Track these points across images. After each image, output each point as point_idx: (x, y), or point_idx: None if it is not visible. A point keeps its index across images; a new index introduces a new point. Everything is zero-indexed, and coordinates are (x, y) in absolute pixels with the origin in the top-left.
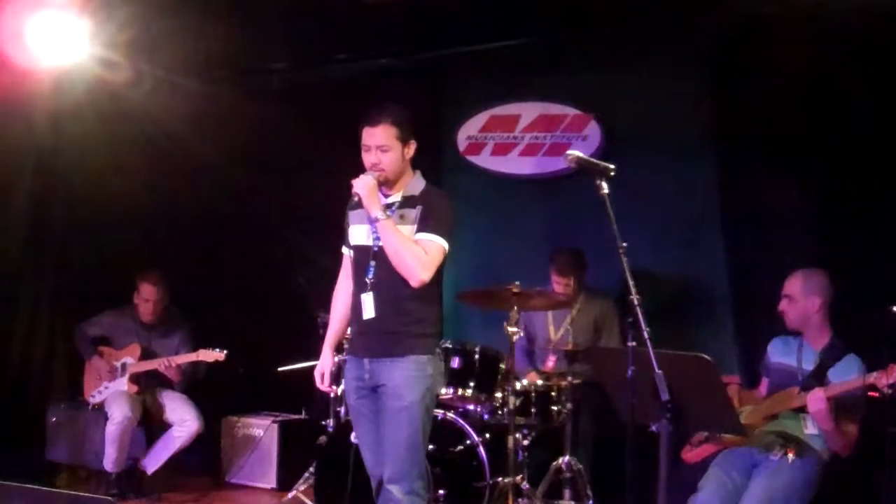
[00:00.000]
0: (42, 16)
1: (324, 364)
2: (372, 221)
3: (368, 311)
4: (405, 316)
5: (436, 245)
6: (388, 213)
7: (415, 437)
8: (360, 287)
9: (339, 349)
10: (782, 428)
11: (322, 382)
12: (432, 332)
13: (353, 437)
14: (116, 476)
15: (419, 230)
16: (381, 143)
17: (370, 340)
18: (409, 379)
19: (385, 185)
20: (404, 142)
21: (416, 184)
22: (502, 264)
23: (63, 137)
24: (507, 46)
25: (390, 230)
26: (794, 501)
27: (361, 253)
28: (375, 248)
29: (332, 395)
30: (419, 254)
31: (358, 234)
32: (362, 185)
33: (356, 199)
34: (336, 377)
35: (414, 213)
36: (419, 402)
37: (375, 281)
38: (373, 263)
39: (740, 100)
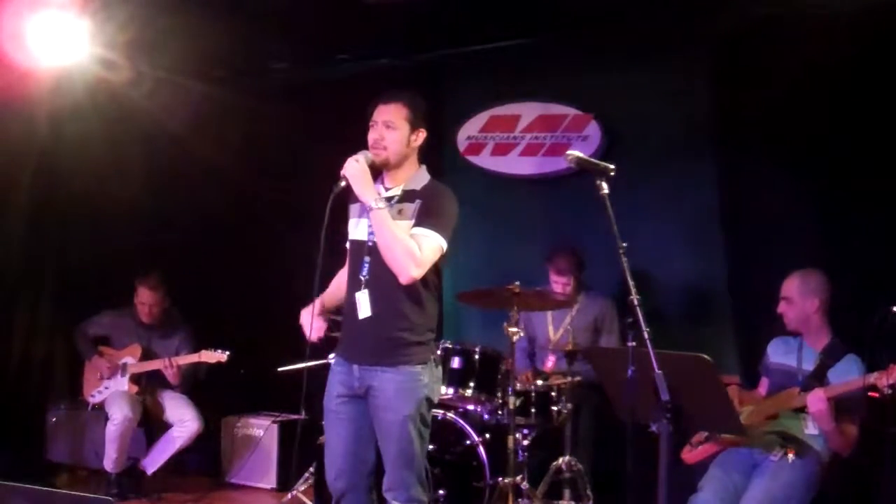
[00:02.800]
0: (42, 16)
1: (308, 312)
2: (368, 213)
3: (364, 309)
4: (401, 320)
5: (432, 241)
6: (383, 202)
7: (410, 448)
8: (354, 285)
9: (332, 348)
10: (782, 428)
11: (307, 328)
12: (428, 338)
13: (321, 439)
14: (116, 476)
15: (417, 224)
16: (388, 119)
17: (362, 344)
18: (402, 392)
19: (385, 169)
20: (413, 126)
21: (419, 178)
22: (502, 264)
23: (63, 137)
24: (507, 46)
25: (384, 221)
26: (794, 501)
27: (356, 248)
28: (370, 243)
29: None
30: (412, 249)
31: (355, 227)
32: (352, 169)
33: (342, 183)
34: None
35: (412, 207)
36: (414, 414)
37: (370, 278)
38: (367, 259)
39: (740, 100)
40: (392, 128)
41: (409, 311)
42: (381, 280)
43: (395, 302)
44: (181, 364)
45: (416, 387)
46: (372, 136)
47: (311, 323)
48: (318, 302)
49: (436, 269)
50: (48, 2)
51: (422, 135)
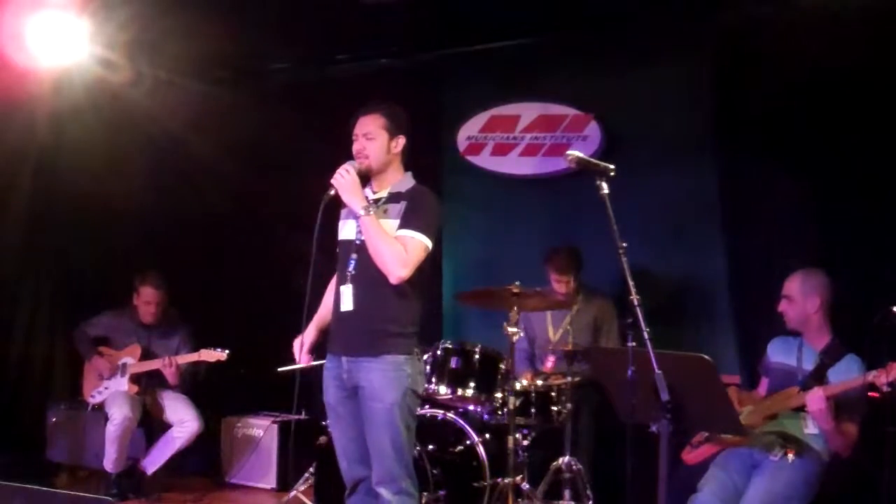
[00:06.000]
0: (42, 16)
1: (304, 336)
2: (357, 216)
3: (347, 303)
4: (383, 311)
5: (416, 242)
6: (370, 208)
7: (398, 438)
8: (340, 279)
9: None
10: (782, 428)
11: (298, 353)
12: (410, 332)
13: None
14: (116, 476)
15: (401, 226)
16: (367, 131)
17: (348, 335)
18: (387, 380)
19: (369, 176)
20: (392, 134)
21: (404, 182)
22: (502, 264)
23: (63, 137)
24: (507, 46)
25: (372, 226)
26: (794, 501)
27: (344, 247)
28: (358, 242)
29: (300, 363)
30: (399, 251)
31: (344, 228)
32: (340, 179)
33: (332, 191)
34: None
35: (398, 207)
36: (400, 403)
37: (356, 273)
38: (354, 256)
39: (740, 100)
40: (371, 138)
41: (390, 305)
42: (366, 276)
43: (377, 296)
44: (181, 363)
45: (400, 376)
46: (355, 147)
47: (301, 349)
48: (310, 329)
49: (419, 266)
50: (48, 2)
51: (401, 141)
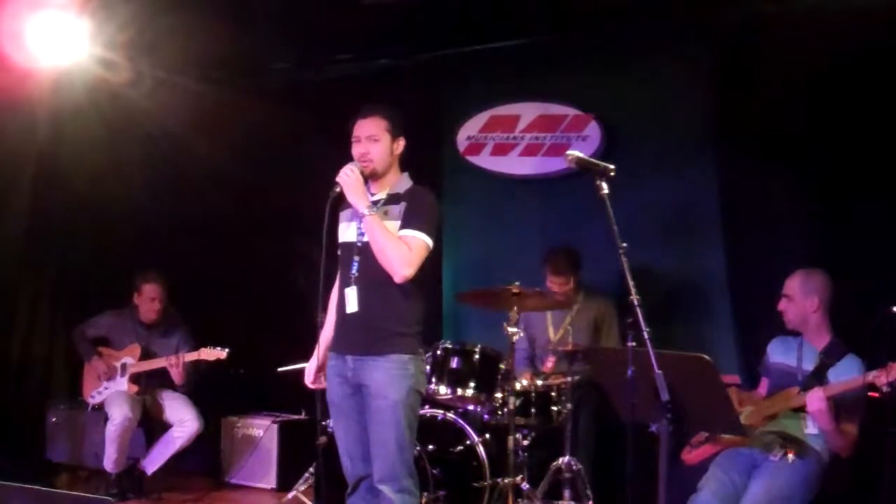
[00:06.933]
0: (42, 16)
1: (312, 362)
2: (359, 218)
3: (352, 304)
4: (387, 311)
5: (419, 241)
6: (373, 208)
7: (401, 435)
8: (344, 282)
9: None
10: (782, 428)
11: (310, 380)
12: (414, 331)
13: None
14: (116, 476)
15: (403, 226)
16: (371, 133)
17: (352, 335)
18: (392, 378)
19: (372, 178)
20: (394, 136)
21: (402, 183)
22: (502, 264)
23: (63, 137)
24: (507, 46)
25: (376, 226)
26: (794, 502)
27: (347, 249)
28: (360, 244)
29: (317, 389)
30: (403, 250)
31: (345, 230)
32: (346, 178)
33: (337, 189)
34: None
35: (398, 208)
36: (404, 400)
37: (359, 275)
38: (357, 258)
39: (740, 100)
40: (375, 140)
41: (395, 304)
42: (369, 277)
43: (382, 296)
44: (184, 362)
45: (405, 374)
46: (358, 151)
47: (314, 371)
48: (318, 351)
49: (420, 265)
50: (48, 2)
51: (402, 143)
